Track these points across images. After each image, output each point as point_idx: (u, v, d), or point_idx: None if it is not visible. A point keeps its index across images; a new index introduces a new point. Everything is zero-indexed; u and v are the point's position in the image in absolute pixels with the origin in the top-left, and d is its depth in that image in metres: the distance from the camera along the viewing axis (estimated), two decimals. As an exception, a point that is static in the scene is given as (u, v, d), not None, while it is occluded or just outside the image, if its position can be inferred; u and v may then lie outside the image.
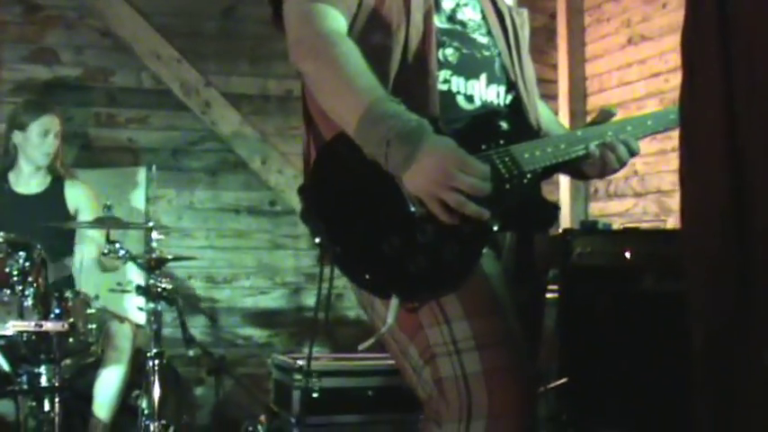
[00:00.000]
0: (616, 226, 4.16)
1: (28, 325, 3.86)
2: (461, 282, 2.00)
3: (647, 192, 6.02)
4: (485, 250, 2.05)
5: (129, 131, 5.79)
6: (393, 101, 1.97)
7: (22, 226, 4.27)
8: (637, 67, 6.14)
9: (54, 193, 4.82)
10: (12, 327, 3.86)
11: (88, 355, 4.45)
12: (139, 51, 5.70)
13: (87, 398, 4.45)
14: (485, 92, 2.19)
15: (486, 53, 2.22)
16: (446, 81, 2.15)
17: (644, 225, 5.44)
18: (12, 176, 4.79)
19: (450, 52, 2.17)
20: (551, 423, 3.52)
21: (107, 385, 4.42)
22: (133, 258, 4.29)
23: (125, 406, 4.56)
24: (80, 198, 4.83)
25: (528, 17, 2.45)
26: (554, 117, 2.50)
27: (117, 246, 4.20)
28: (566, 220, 6.66)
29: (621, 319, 3.45)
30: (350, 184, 2.04)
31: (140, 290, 4.37)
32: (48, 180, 4.82)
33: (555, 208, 2.21)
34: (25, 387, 4.03)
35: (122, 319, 4.60)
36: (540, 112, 2.38)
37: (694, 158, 1.48)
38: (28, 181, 4.80)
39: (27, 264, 3.93)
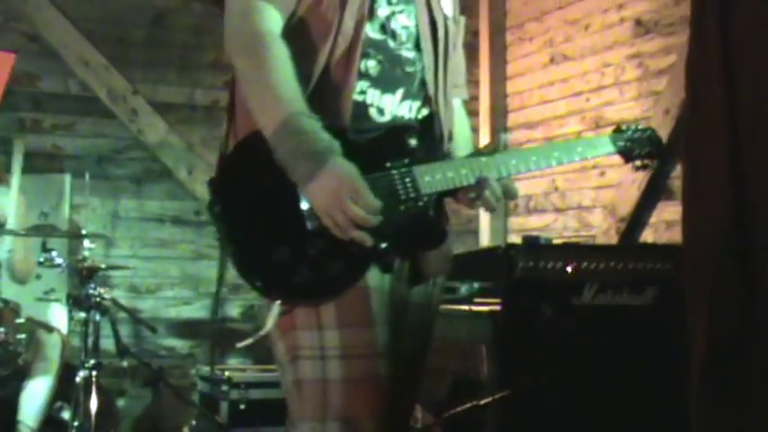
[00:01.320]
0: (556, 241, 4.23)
1: (-41, 334, 3.77)
2: (339, 293, 2.09)
3: (567, 207, 6.12)
4: (373, 266, 2.13)
5: (55, 137, 5.68)
6: (311, 117, 2.05)
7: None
8: (558, 85, 6.25)
9: (-17, 199, 4.70)
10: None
11: (13, 366, 4.35)
12: (67, 57, 5.60)
13: (11, 408, 4.34)
14: (397, 107, 2.24)
15: (409, 69, 2.27)
16: (362, 92, 2.20)
17: (576, 239, 5.54)
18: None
19: (372, 64, 2.21)
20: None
21: (35, 396, 4.32)
22: (70, 267, 4.20)
23: (50, 419, 4.46)
24: (8, 206, 4.71)
25: (465, 25, 2.48)
26: (465, 131, 2.50)
27: (53, 254, 4.11)
28: (485, 235, 6.74)
29: (562, 332, 3.50)
30: (257, 185, 2.10)
31: (71, 299, 4.28)
32: None
33: (444, 230, 2.27)
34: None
35: (50, 329, 4.50)
36: (457, 122, 2.45)
37: (698, 181, 1.52)
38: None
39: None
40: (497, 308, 3.58)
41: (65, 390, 4.43)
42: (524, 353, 3.49)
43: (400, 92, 2.24)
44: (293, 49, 2.13)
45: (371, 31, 2.21)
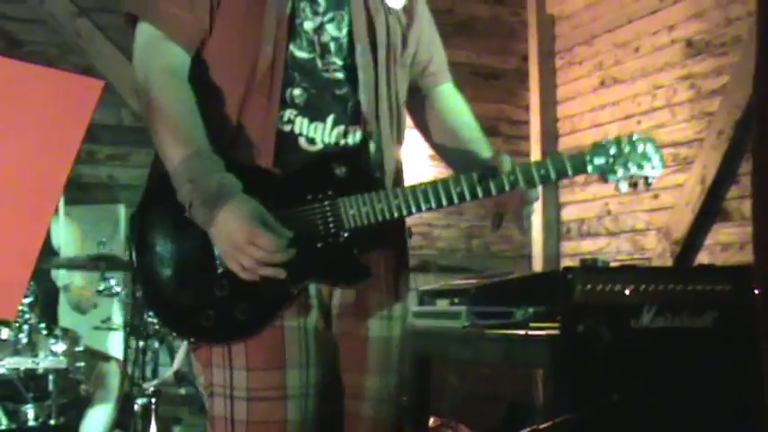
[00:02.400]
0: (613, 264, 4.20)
1: (24, 362, 3.82)
2: (252, 334, 2.06)
3: (620, 231, 6.10)
4: (294, 304, 2.09)
5: (109, 168, 5.76)
6: (208, 158, 1.99)
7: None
8: (609, 108, 6.24)
9: (43, 230, 4.76)
10: (8, 364, 3.81)
11: (71, 394, 4.40)
12: (120, 89, 5.68)
13: (73, 436, 4.39)
14: (329, 134, 2.14)
15: (339, 92, 2.17)
16: (290, 121, 2.11)
17: (631, 262, 5.51)
18: None
19: (297, 93, 2.12)
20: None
21: (95, 424, 4.36)
22: (128, 296, 4.25)
23: (107, 446, 4.50)
24: (64, 235, 4.78)
25: (421, 9, 2.35)
26: (466, 117, 2.41)
27: (112, 283, 4.17)
28: (538, 259, 6.73)
29: (620, 356, 3.48)
30: (171, 223, 2.06)
31: (129, 328, 4.33)
32: None
33: (366, 268, 2.13)
34: (13, 426, 3.97)
35: (109, 358, 4.55)
36: (446, 110, 2.39)
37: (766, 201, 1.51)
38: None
39: (25, 300, 3.90)
40: (554, 332, 3.55)
41: (124, 418, 4.47)
42: (583, 377, 3.46)
43: (331, 118, 2.15)
44: (208, 82, 2.09)
45: (297, 49, 2.12)
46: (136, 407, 4.25)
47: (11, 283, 2.07)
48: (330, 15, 2.17)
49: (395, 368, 2.30)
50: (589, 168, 2.16)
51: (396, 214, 2.08)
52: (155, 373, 4.20)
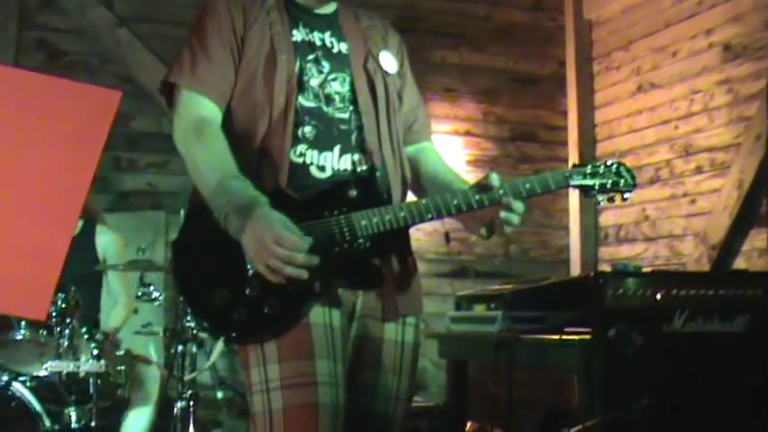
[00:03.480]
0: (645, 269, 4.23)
1: (65, 365, 3.91)
2: (281, 331, 2.31)
3: (658, 236, 6.11)
4: (320, 305, 2.35)
5: (150, 176, 5.87)
6: (239, 178, 2.30)
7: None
8: (647, 114, 6.26)
9: (85, 237, 4.86)
10: (50, 367, 3.91)
11: (112, 397, 4.49)
12: (159, 97, 5.76)
13: (113, 439, 4.48)
14: (337, 161, 2.47)
15: (343, 127, 2.50)
16: (302, 154, 2.43)
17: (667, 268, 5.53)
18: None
19: (308, 130, 2.45)
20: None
21: (134, 428, 4.44)
22: (166, 301, 4.34)
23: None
24: (109, 245, 4.88)
25: (410, 75, 2.74)
26: (443, 166, 2.71)
27: (151, 288, 4.26)
28: (576, 264, 6.75)
29: (653, 360, 3.51)
30: (207, 239, 2.34)
31: (168, 332, 4.42)
32: (80, 224, 4.88)
33: (380, 271, 2.41)
34: (57, 428, 4.06)
35: (149, 362, 4.64)
36: (430, 160, 2.71)
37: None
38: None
39: (63, 305, 4.00)
40: (587, 337, 3.60)
41: (164, 422, 4.55)
42: (614, 381, 3.50)
43: (337, 148, 2.48)
44: (237, 127, 2.44)
45: (305, 100, 2.47)
46: (175, 410, 4.32)
47: (40, 286, 2.19)
48: (333, 75, 2.53)
49: (407, 372, 2.57)
50: (571, 183, 2.55)
51: (402, 224, 2.39)
52: (192, 378, 4.27)
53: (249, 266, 2.27)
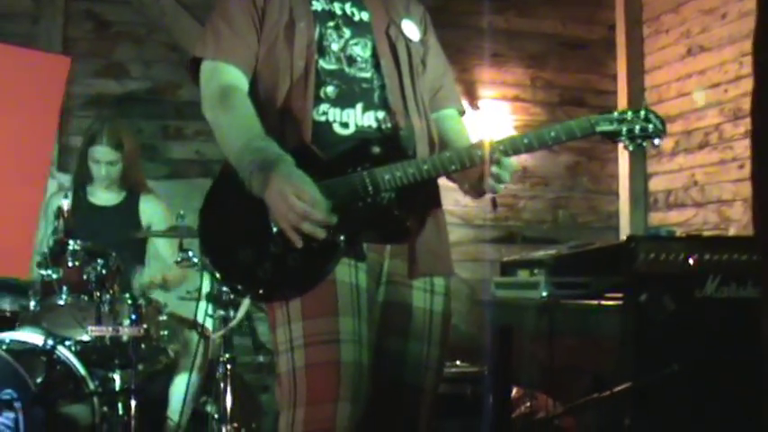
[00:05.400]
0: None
1: (105, 330, 3.99)
2: (306, 287, 2.33)
3: (707, 201, 6.03)
4: (347, 260, 2.37)
5: (197, 144, 5.93)
6: (264, 139, 2.34)
7: (98, 236, 4.39)
8: (696, 77, 6.17)
9: (128, 206, 4.95)
10: (90, 332, 3.99)
11: (159, 362, 4.57)
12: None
13: (160, 402, 4.56)
14: (360, 118, 2.50)
15: (365, 85, 2.53)
16: (324, 113, 2.47)
17: (706, 233, 5.46)
18: (89, 189, 4.92)
19: (330, 90, 2.49)
20: (614, 429, 3.57)
21: (181, 391, 4.52)
22: (205, 266, 4.37)
23: (196, 412, 4.66)
24: (154, 214, 4.93)
25: (434, 43, 2.79)
26: (463, 138, 2.70)
27: (190, 254, 4.30)
28: (625, 231, 6.69)
29: (685, 325, 3.49)
30: (233, 200, 2.39)
31: (209, 297, 4.47)
32: (122, 194, 4.95)
33: (405, 224, 2.44)
34: (100, 390, 4.15)
35: (194, 327, 4.68)
36: (449, 127, 2.72)
37: (765, 167, 1.53)
38: (104, 193, 4.93)
39: (104, 271, 4.07)
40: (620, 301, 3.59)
41: (210, 385, 4.62)
42: (645, 346, 3.49)
43: (360, 105, 2.51)
44: (261, 92, 2.50)
45: (326, 64, 2.51)
46: (217, 374, 4.38)
47: (19, 247, 2.26)
48: (355, 41, 2.57)
49: (437, 341, 2.56)
50: (597, 129, 2.53)
51: (426, 176, 2.40)
52: (230, 342, 4.32)
53: (273, 224, 2.29)
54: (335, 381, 2.27)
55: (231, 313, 4.35)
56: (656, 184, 6.63)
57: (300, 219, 2.21)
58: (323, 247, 2.29)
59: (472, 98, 6.48)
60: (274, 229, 2.29)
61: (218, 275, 2.46)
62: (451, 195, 6.20)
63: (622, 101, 6.74)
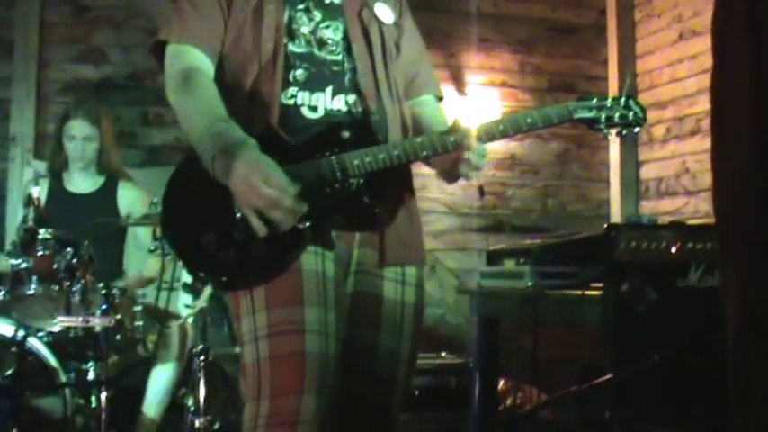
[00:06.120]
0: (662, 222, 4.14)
1: (75, 320, 3.95)
2: (270, 275, 2.29)
3: (698, 189, 6.00)
4: (314, 249, 2.34)
5: (177, 130, 5.87)
6: (226, 121, 2.29)
7: (74, 224, 4.33)
8: (688, 62, 6.12)
9: (106, 193, 4.91)
10: (59, 322, 3.95)
11: (136, 353, 4.52)
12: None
13: (136, 394, 4.52)
14: (330, 102, 2.46)
15: (336, 68, 2.50)
16: (293, 96, 2.44)
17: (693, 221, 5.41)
18: (65, 176, 4.88)
19: (299, 73, 2.45)
20: (596, 420, 3.53)
21: (160, 383, 4.48)
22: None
23: (173, 404, 4.62)
24: (134, 202, 4.87)
25: (410, 27, 2.75)
26: (439, 125, 2.62)
27: (165, 243, 4.25)
28: (615, 219, 6.66)
29: (667, 315, 3.44)
30: (195, 190, 2.33)
31: (187, 287, 4.42)
32: (100, 180, 4.90)
33: (372, 210, 2.40)
34: (72, 382, 4.10)
35: (170, 317, 4.65)
36: (424, 112, 2.67)
37: (723, 144, 1.52)
38: (80, 180, 4.89)
39: (74, 260, 4.01)
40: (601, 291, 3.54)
41: (188, 376, 4.58)
42: (627, 337, 3.44)
43: (330, 89, 2.47)
44: (229, 76, 2.46)
45: (296, 47, 2.48)
46: (194, 365, 4.34)
47: None
48: (326, 23, 2.54)
49: (409, 333, 2.53)
50: (575, 116, 2.50)
51: (396, 162, 2.36)
52: (204, 333, 4.29)
53: (236, 211, 2.25)
54: (300, 372, 2.24)
55: (208, 303, 4.32)
56: (647, 172, 6.58)
57: (269, 206, 2.16)
58: (288, 234, 2.24)
59: (459, 84, 6.44)
60: (238, 215, 2.25)
61: (181, 260, 2.41)
62: (437, 183, 6.26)
63: (613, 86, 6.70)
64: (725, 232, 1.59)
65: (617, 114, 2.51)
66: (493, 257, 4.85)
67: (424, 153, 2.38)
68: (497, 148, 6.21)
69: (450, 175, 2.48)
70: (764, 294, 1.53)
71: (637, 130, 2.55)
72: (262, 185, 2.14)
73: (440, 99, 2.79)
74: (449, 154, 2.40)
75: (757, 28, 1.46)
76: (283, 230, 2.20)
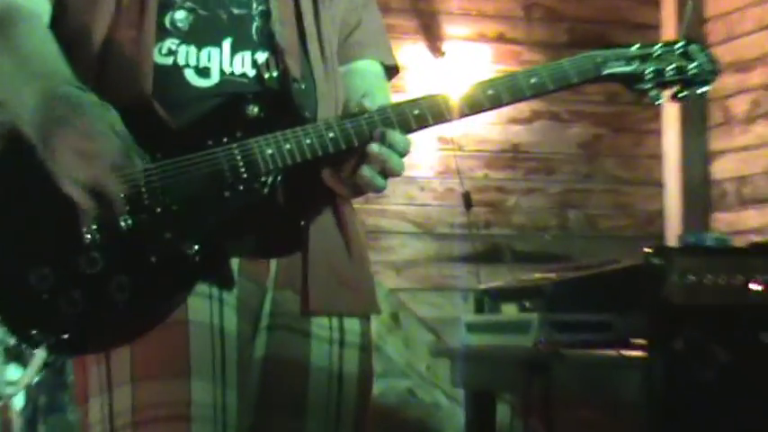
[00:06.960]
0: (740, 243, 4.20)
1: None
2: (138, 330, 2.19)
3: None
4: (206, 288, 2.26)
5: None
6: (74, 85, 2.18)
7: None
8: None
9: None
10: None
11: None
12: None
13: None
14: (228, 62, 2.39)
15: (238, 11, 2.43)
16: (171, 52, 2.36)
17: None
18: None
19: (180, 16, 2.39)
20: None
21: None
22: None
23: None
24: None
25: None
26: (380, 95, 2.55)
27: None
28: (673, 241, 6.70)
29: (744, 386, 3.50)
30: (16, 199, 2.25)
31: (8, 354, 4.43)
32: None
33: (300, 228, 2.37)
34: None
35: (-5, 396, 4.64)
36: (360, 86, 2.59)
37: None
38: None
39: None
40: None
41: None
42: (684, 418, 3.49)
43: (228, 42, 2.40)
44: (70, 21, 2.37)
45: None
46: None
47: None
48: None
49: (350, 422, 2.46)
50: (604, 71, 2.38)
51: (330, 151, 2.27)
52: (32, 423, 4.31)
53: (85, 229, 2.16)
54: None
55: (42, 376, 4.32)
56: (722, 167, 6.64)
57: (105, 177, 2.08)
58: (166, 263, 2.19)
59: (433, 40, 6.49)
60: (87, 237, 2.17)
61: None
62: (401, 188, 6.25)
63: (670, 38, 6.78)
64: None
65: (671, 67, 2.39)
66: (485, 300, 4.90)
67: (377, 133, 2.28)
68: (489, 133, 6.26)
69: (346, 182, 2.36)
70: None
71: (703, 89, 2.43)
72: (82, 139, 2.08)
73: (389, 69, 2.74)
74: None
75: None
76: (155, 253, 2.18)
